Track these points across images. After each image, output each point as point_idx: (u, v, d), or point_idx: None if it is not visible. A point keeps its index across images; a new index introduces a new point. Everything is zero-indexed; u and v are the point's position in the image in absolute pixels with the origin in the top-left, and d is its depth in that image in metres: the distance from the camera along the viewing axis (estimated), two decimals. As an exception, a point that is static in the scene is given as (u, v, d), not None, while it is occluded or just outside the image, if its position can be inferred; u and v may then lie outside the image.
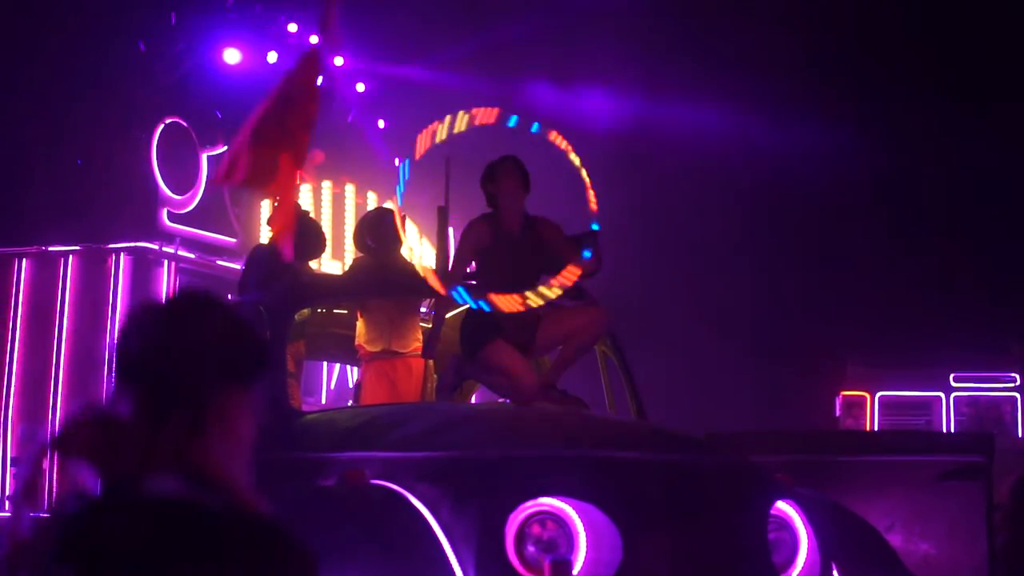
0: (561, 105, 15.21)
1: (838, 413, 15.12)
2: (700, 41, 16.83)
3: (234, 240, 12.44)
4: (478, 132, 5.95)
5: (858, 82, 17.77)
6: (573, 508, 4.70)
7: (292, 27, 13.09)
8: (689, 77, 16.25)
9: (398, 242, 7.09)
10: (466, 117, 5.79)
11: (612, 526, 4.67)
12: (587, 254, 5.84)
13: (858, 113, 17.31)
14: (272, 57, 12.85)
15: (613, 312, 6.29)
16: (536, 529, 4.65)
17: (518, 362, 5.87)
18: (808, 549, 5.14)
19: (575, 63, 16.14)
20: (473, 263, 6.12)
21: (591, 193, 5.91)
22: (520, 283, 5.88)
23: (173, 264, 11.63)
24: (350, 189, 13.67)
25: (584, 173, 5.90)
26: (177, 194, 11.95)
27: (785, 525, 5.13)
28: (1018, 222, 17.29)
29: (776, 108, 16.75)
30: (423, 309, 7.27)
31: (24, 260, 11.58)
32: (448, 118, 5.78)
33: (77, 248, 11.46)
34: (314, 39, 5.35)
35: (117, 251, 11.36)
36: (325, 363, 11.32)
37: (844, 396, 15.08)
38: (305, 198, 12.48)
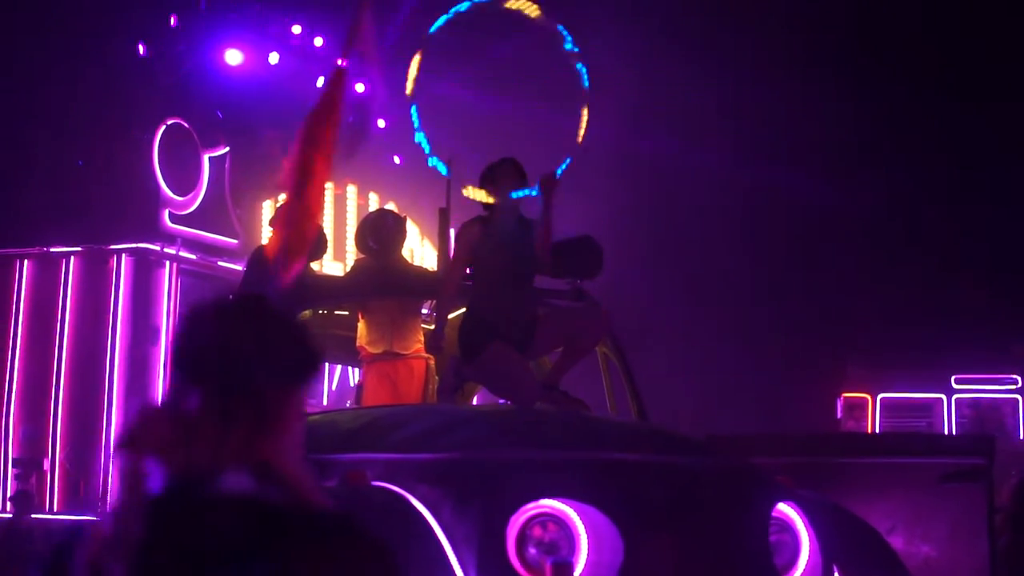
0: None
1: (839, 415, 15.12)
2: (700, 41, 16.83)
3: (236, 241, 12.45)
4: (483, 134, 5.96)
5: (858, 82, 17.76)
6: (574, 510, 4.70)
7: (296, 29, 13.09)
8: (689, 77, 16.25)
9: (399, 244, 7.09)
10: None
11: (613, 528, 4.67)
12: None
13: (858, 114, 17.31)
14: (274, 58, 12.85)
15: (614, 313, 6.29)
16: (537, 531, 4.65)
17: (517, 364, 5.87)
18: (809, 551, 5.14)
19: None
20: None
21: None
22: (516, 284, 5.88)
23: (175, 265, 11.64)
24: (352, 190, 13.68)
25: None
26: (179, 195, 11.95)
27: (786, 527, 5.13)
28: (1019, 223, 17.28)
29: (776, 109, 16.76)
30: (424, 310, 7.27)
31: (25, 261, 11.59)
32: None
33: (78, 249, 11.47)
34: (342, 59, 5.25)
35: (118, 252, 11.36)
36: (326, 364, 11.33)
37: (845, 398, 15.09)
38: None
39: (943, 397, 14.93)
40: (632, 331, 8.34)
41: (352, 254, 11.79)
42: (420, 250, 13.96)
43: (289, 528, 1.79)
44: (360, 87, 13.03)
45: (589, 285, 6.67)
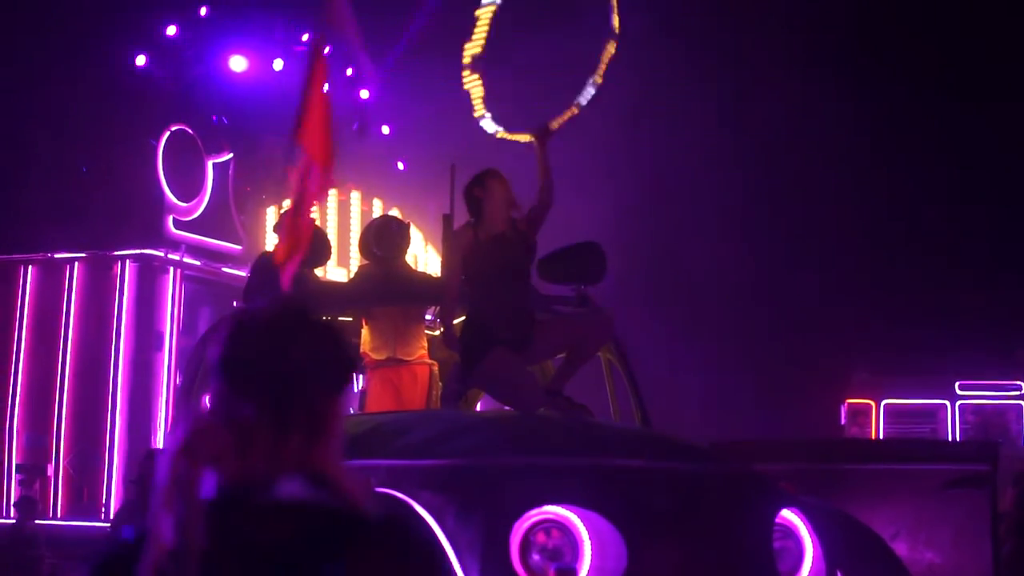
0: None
1: (843, 421, 15.11)
2: (699, 41, 16.83)
3: (239, 247, 12.46)
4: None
5: (858, 82, 17.76)
6: (578, 516, 4.70)
7: (304, 37, 13.10)
8: (689, 77, 16.25)
9: (403, 250, 7.10)
10: None
11: (617, 534, 4.67)
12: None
13: (858, 114, 17.30)
14: (278, 64, 12.87)
15: (617, 319, 6.29)
16: (541, 537, 4.65)
17: (519, 370, 5.87)
18: (813, 558, 5.13)
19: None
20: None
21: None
22: (511, 283, 5.89)
23: (178, 271, 11.65)
24: (355, 196, 13.69)
25: None
26: (183, 201, 11.97)
27: (790, 534, 5.13)
28: (1020, 223, 17.28)
29: (776, 110, 16.75)
30: (428, 317, 7.27)
31: (30, 267, 11.61)
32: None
33: (82, 255, 11.49)
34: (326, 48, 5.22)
35: (122, 258, 11.39)
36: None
37: (849, 404, 15.07)
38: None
39: (947, 403, 14.91)
40: (635, 337, 8.34)
41: (356, 260, 11.80)
42: (424, 256, 13.97)
43: (349, 532, 1.85)
44: (365, 93, 13.06)
45: (593, 290, 6.67)
